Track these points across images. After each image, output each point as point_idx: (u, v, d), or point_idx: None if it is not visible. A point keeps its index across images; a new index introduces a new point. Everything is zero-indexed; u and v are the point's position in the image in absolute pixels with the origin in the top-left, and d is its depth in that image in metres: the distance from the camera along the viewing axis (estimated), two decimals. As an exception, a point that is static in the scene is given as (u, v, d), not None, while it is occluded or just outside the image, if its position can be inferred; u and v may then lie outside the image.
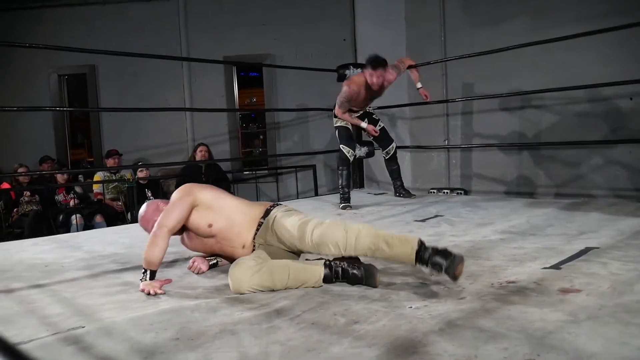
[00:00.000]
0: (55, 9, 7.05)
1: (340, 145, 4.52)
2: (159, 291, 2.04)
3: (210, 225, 2.24)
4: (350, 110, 4.53)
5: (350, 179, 4.58)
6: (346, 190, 4.45)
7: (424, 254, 1.87)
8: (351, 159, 4.52)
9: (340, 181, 4.49)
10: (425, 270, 1.88)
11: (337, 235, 1.98)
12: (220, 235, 2.26)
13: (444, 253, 1.85)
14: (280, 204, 2.37)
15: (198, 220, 2.24)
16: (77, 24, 6.99)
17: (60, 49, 4.39)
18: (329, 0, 7.02)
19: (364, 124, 4.47)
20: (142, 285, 2.08)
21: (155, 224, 2.18)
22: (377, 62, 4.18)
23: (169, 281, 2.16)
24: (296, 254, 2.23)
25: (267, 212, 2.27)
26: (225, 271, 2.33)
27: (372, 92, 4.38)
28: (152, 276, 2.11)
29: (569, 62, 4.77)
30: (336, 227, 2.02)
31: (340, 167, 4.52)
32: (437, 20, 5.92)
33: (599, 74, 4.49)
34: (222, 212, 2.26)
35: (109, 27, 6.98)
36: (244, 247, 2.26)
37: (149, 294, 2.03)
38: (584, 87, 4.35)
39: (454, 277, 1.81)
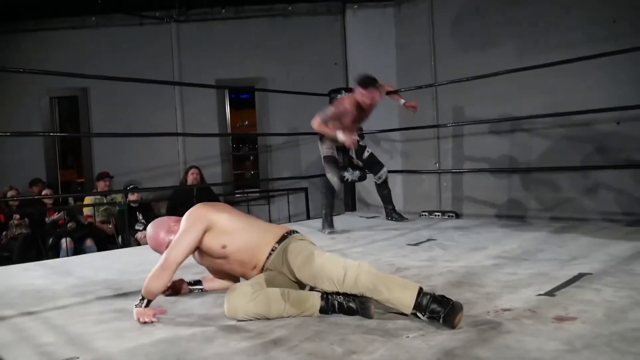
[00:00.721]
0: (48, 32, 7.06)
1: (327, 175, 4.49)
2: (153, 319, 2.02)
3: (224, 247, 2.20)
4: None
5: (333, 206, 4.55)
6: (329, 217, 4.43)
7: (423, 300, 1.84)
8: (337, 187, 4.49)
9: (324, 210, 4.47)
10: (422, 318, 1.85)
11: (335, 272, 1.97)
12: (233, 257, 2.23)
13: (443, 301, 1.82)
14: (297, 233, 2.32)
15: (211, 242, 2.20)
16: (70, 47, 7.00)
17: (52, 73, 4.40)
18: (320, 25, 7.11)
19: (340, 135, 4.19)
20: (135, 312, 2.05)
21: (165, 256, 2.13)
22: (368, 81, 4.21)
23: (163, 311, 2.11)
24: (301, 285, 2.21)
25: (282, 238, 2.24)
26: (219, 296, 2.33)
27: (361, 114, 4.39)
28: (148, 304, 2.08)
29: (557, 86, 4.87)
30: (335, 263, 2.00)
31: (325, 194, 4.50)
32: (427, 45, 6.03)
33: (587, 98, 4.58)
34: (238, 234, 2.22)
35: (101, 50, 6.99)
36: (254, 268, 2.25)
37: (144, 322, 2.01)
38: (573, 113, 4.41)
39: (452, 326, 1.76)
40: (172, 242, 2.16)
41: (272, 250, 2.22)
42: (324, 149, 4.53)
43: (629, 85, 4.48)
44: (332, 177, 4.46)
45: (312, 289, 2.24)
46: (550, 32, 5.02)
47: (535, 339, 1.63)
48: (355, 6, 6.80)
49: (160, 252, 2.23)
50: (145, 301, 2.07)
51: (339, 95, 5.19)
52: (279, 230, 2.31)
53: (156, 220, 2.41)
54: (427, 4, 6.13)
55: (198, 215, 2.21)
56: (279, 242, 2.23)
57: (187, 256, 2.16)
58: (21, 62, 6.56)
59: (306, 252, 2.12)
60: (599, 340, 1.58)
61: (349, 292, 1.97)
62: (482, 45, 5.55)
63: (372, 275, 1.93)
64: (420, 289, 1.88)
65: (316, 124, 4.29)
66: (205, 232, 2.18)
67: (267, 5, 7.09)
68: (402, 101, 4.71)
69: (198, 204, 2.29)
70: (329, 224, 4.40)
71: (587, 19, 4.77)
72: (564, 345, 1.56)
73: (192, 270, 2.70)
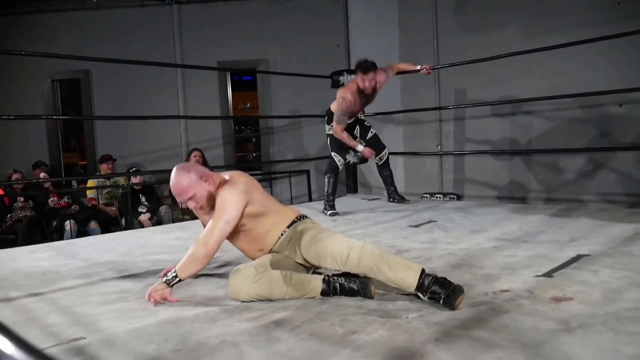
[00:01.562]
0: (49, 14, 7.04)
1: (332, 153, 4.55)
2: (161, 302, 2.04)
3: (243, 226, 2.22)
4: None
5: (336, 187, 4.59)
6: (331, 197, 4.49)
7: (425, 281, 1.87)
8: (341, 167, 4.55)
9: (326, 188, 4.52)
10: (423, 298, 1.88)
11: (339, 251, 1.99)
12: (247, 236, 2.26)
13: (444, 283, 1.85)
14: (307, 217, 2.34)
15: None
16: (71, 29, 6.99)
17: (54, 56, 4.38)
18: (322, 7, 7.07)
19: (360, 147, 4.43)
20: (154, 288, 2.05)
21: (205, 236, 2.07)
22: (367, 66, 4.22)
23: (175, 300, 2.07)
24: (307, 268, 2.25)
25: (292, 223, 2.27)
26: (222, 278, 2.37)
27: (366, 98, 4.41)
28: (177, 282, 2.07)
29: (560, 69, 4.85)
30: (339, 242, 2.03)
31: (329, 174, 4.55)
32: (430, 27, 5.99)
33: (590, 81, 4.57)
34: (261, 217, 2.23)
35: (103, 32, 6.98)
36: (262, 250, 2.28)
37: (154, 301, 2.03)
38: (575, 95, 4.41)
39: (452, 308, 1.79)
40: (215, 223, 2.09)
41: (282, 234, 2.25)
42: (331, 129, 4.55)
43: (632, 67, 4.46)
44: (336, 156, 4.50)
45: (315, 272, 2.28)
46: (553, 15, 4.98)
47: (531, 318, 1.66)
48: (358, -13, 6.74)
49: (184, 197, 2.16)
50: (177, 279, 2.06)
51: (341, 78, 5.19)
52: (291, 213, 2.33)
53: (184, 164, 2.28)
54: (430, -16, 6.08)
55: (246, 188, 2.17)
56: (289, 226, 2.26)
57: (226, 236, 2.14)
58: (22, 45, 6.58)
59: (314, 231, 2.15)
60: (595, 320, 1.61)
61: (351, 272, 2.00)
62: (485, 27, 5.51)
63: (376, 256, 1.95)
64: (423, 270, 1.91)
65: (339, 131, 4.39)
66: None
67: (269, -14, 7.05)
68: (418, 67, 4.72)
69: (236, 174, 2.24)
70: (330, 206, 4.44)
71: (591, 2, 4.73)
72: (560, 325, 1.59)
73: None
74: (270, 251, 2.28)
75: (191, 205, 2.22)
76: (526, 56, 4.49)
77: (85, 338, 1.69)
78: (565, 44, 4.04)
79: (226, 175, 2.25)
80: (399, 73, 4.84)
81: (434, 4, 5.96)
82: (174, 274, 2.06)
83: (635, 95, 4.30)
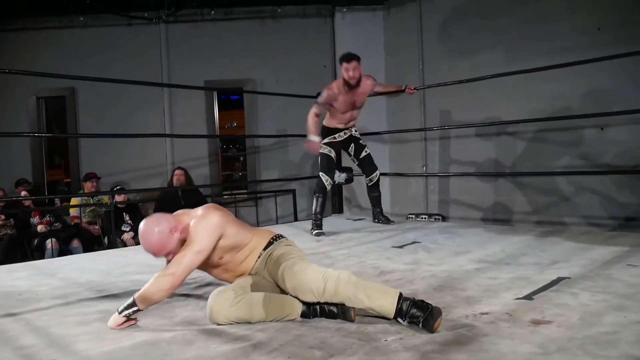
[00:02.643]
0: (36, 32, 7.03)
1: (320, 173, 4.55)
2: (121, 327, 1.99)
3: (221, 258, 2.20)
4: (335, 130, 4.57)
5: (324, 207, 4.58)
6: (319, 217, 4.48)
7: (403, 306, 1.86)
8: (328, 187, 4.55)
9: (314, 207, 4.51)
10: (403, 323, 1.87)
11: (315, 283, 1.96)
12: (226, 266, 2.25)
13: (422, 306, 1.84)
14: (283, 238, 2.32)
15: (211, 255, 2.15)
16: (58, 47, 6.98)
17: (39, 75, 4.38)
18: (309, 28, 7.14)
19: (313, 137, 4.23)
20: (114, 319, 2.00)
21: (176, 269, 2.00)
22: (350, 56, 4.23)
23: (133, 323, 2.03)
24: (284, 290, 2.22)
25: (268, 244, 2.26)
26: (201, 299, 2.34)
27: (353, 96, 4.40)
28: (132, 314, 2.00)
29: (542, 93, 4.93)
30: (315, 275, 1.99)
31: (317, 194, 4.54)
32: (416, 50, 6.07)
33: (572, 104, 4.65)
34: (237, 248, 2.22)
35: (90, 50, 6.98)
36: (241, 275, 2.27)
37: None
38: (558, 118, 4.48)
39: (432, 330, 1.79)
40: (184, 253, 2.04)
41: (259, 256, 2.25)
42: (322, 148, 4.51)
43: (613, 91, 4.54)
44: (324, 176, 4.49)
45: None
46: (536, 39, 5.08)
47: (510, 342, 1.66)
48: (345, 9, 6.83)
49: (159, 255, 2.10)
50: (134, 309, 1.98)
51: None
52: (266, 235, 2.32)
53: (152, 218, 2.13)
54: (416, 8, 6.18)
55: (219, 223, 2.12)
56: (265, 247, 2.25)
57: (194, 268, 2.09)
58: (8, 62, 6.54)
59: (289, 261, 2.10)
60: (572, 344, 1.61)
61: (329, 302, 1.98)
62: (470, 50, 5.60)
63: (352, 285, 1.93)
64: (400, 295, 1.90)
65: (310, 115, 4.30)
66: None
67: (257, 7, 7.11)
68: (403, 87, 4.72)
69: (211, 208, 2.18)
70: (317, 225, 4.43)
71: (572, 27, 4.84)
72: (538, 349, 1.59)
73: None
74: (249, 273, 2.26)
75: (170, 258, 2.15)
76: (510, 79, 4.56)
77: (57, 360, 1.66)
78: (547, 67, 4.11)
79: (199, 210, 2.19)
80: (384, 93, 4.86)
81: (420, 27, 6.06)
82: (131, 303, 1.98)
83: (615, 119, 4.38)
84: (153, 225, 2.06)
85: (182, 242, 2.11)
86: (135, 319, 2.04)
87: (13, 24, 7.02)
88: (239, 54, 7.10)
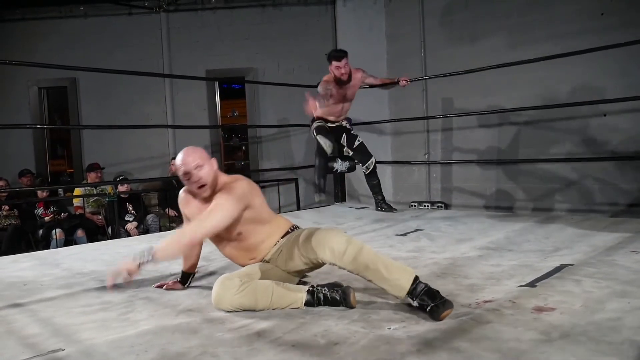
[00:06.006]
0: (36, 22, 7.01)
1: (318, 136, 4.48)
2: (123, 281, 1.92)
3: (239, 234, 2.18)
4: (326, 121, 4.57)
5: (326, 170, 4.56)
6: (322, 180, 4.48)
7: (417, 287, 1.86)
8: (328, 150, 4.46)
9: (315, 172, 4.53)
10: (413, 303, 1.88)
11: (338, 243, 1.95)
12: (241, 245, 2.23)
13: (435, 295, 1.84)
14: (300, 229, 2.27)
15: (232, 225, 2.13)
16: (58, 37, 6.96)
17: (41, 65, 4.37)
18: (311, 16, 7.09)
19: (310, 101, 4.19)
20: (121, 264, 1.89)
21: (198, 228, 2.00)
22: (339, 53, 4.31)
23: (130, 281, 1.97)
24: (293, 279, 2.23)
25: (286, 233, 2.26)
26: (205, 287, 2.35)
27: (344, 91, 4.41)
28: (146, 263, 1.91)
29: (545, 80, 4.90)
30: (340, 236, 1.98)
31: (317, 159, 4.54)
32: (417, 37, 6.03)
33: (575, 91, 4.62)
34: (259, 225, 2.19)
35: (90, 40, 6.96)
36: (253, 258, 2.25)
37: (111, 285, 1.91)
38: (560, 105, 4.45)
39: (437, 319, 1.78)
40: (209, 213, 2.03)
41: (275, 244, 2.24)
42: (315, 124, 4.56)
43: (616, 77, 4.51)
44: (322, 139, 4.45)
45: (300, 282, 2.27)
46: (538, 25, 5.04)
47: (513, 329, 1.66)
48: (346, -4, 6.78)
49: (194, 173, 2.10)
50: (150, 259, 1.91)
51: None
52: (285, 224, 2.30)
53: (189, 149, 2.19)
54: (418, -5, 6.14)
55: (247, 192, 2.11)
56: (283, 236, 2.25)
57: (218, 231, 2.06)
58: (8, 53, 6.53)
59: (312, 228, 2.11)
60: (575, 330, 1.62)
61: (346, 268, 1.96)
62: (472, 37, 5.56)
63: (373, 255, 1.93)
64: (417, 277, 1.91)
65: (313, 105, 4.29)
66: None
67: (257, -5, 7.07)
68: (397, 79, 4.76)
69: (243, 181, 2.16)
70: (320, 189, 4.43)
71: (576, 12, 4.79)
72: (541, 335, 1.59)
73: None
74: (262, 260, 2.25)
75: (196, 176, 2.11)
76: (512, 66, 4.53)
77: (64, 350, 1.67)
78: (550, 57, 4.08)
79: (226, 177, 2.21)
80: (377, 86, 4.85)
81: (422, 15, 6.02)
82: (148, 249, 1.92)
83: (619, 105, 4.36)
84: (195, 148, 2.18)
85: (213, 178, 2.13)
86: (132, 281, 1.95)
87: (13, 15, 7.00)
88: (240, 43, 7.07)
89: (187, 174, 2.12)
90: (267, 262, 2.24)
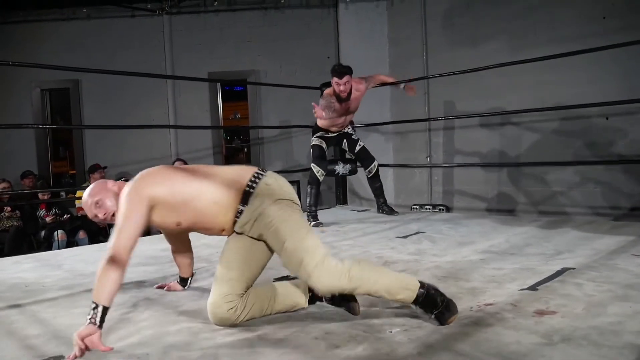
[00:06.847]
0: (39, 24, 7.03)
1: (312, 165, 4.56)
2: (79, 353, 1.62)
3: (178, 224, 1.96)
4: (328, 130, 4.59)
5: (317, 198, 4.59)
6: (313, 209, 4.50)
7: (421, 298, 1.81)
8: (321, 178, 4.54)
9: (308, 200, 4.53)
10: (417, 312, 1.86)
11: (336, 287, 1.80)
12: (194, 228, 2.03)
13: (436, 302, 1.80)
14: (259, 181, 1.97)
15: (163, 219, 1.94)
16: (61, 39, 6.98)
17: (43, 67, 4.40)
18: (313, 19, 7.10)
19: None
20: (77, 335, 1.64)
21: (112, 246, 1.78)
22: (341, 70, 4.27)
23: (108, 349, 1.68)
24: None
25: (244, 197, 1.93)
26: (206, 290, 2.34)
27: (346, 105, 4.42)
28: (103, 316, 1.69)
29: (547, 82, 4.90)
30: (334, 276, 1.79)
31: (310, 186, 4.57)
32: (419, 40, 6.04)
33: (577, 93, 4.61)
34: (187, 206, 1.93)
35: (93, 42, 6.98)
36: (223, 230, 2.00)
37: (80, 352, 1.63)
38: (562, 107, 4.45)
39: (441, 324, 1.77)
40: (115, 230, 1.82)
41: (239, 213, 1.93)
42: (313, 139, 4.62)
43: (618, 80, 4.51)
44: (316, 168, 4.51)
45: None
46: (540, 28, 5.04)
47: (514, 332, 1.66)
48: (348, -1, 6.80)
49: (91, 207, 1.94)
50: (100, 309, 1.68)
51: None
52: (237, 185, 1.96)
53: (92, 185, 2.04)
54: (420, -3, 6.15)
55: (136, 196, 1.87)
56: (242, 202, 1.93)
57: (136, 240, 1.83)
58: (11, 54, 6.54)
59: (292, 241, 1.84)
60: (577, 334, 1.61)
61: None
62: (474, 41, 5.56)
63: (372, 284, 1.80)
64: (420, 288, 1.83)
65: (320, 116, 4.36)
66: (150, 210, 1.89)
67: (260, -3, 7.09)
68: (402, 85, 4.78)
69: (137, 178, 1.96)
70: (313, 217, 4.45)
71: (578, 15, 4.79)
72: (542, 339, 1.59)
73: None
74: (232, 229, 1.98)
75: (101, 215, 1.95)
76: (514, 68, 4.51)
77: (63, 357, 1.65)
78: (551, 56, 4.07)
79: (123, 188, 1.98)
80: (382, 84, 4.88)
81: (423, 18, 6.02)
82: (94, 306, 1.69)
83: (621, 108, 4.35)
84: (90, 189, 2.01)
85: (116, 199, 1.94)
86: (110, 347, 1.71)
87: (16, 16, 7.02)
88: (242, 45, 7.08)
89: (95, 217, 1.98)
90: (240, 233, 1.97)
